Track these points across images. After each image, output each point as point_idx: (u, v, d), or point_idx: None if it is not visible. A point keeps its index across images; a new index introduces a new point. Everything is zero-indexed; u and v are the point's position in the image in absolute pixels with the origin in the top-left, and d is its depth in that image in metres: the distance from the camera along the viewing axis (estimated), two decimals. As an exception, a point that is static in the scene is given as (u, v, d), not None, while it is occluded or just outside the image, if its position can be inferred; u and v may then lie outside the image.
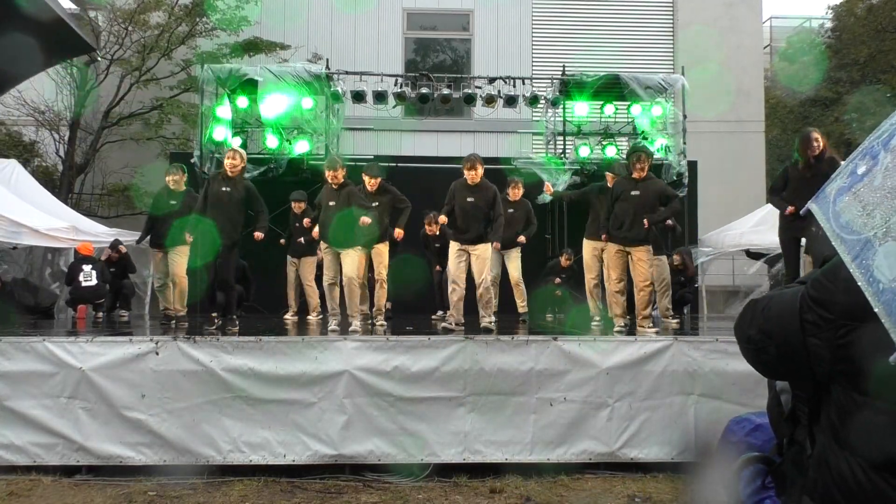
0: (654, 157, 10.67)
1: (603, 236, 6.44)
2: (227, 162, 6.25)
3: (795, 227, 5.74)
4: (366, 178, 6.69)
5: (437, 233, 8.08)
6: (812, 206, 1.25)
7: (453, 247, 6.28)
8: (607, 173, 7.16)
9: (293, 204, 8.09)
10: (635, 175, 6.20)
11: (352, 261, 6.09)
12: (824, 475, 1.13)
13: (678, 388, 5.14)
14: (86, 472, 4.98)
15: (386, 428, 5.01)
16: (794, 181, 5.77)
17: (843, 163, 1.23)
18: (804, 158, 5.65)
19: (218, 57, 12.34)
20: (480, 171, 6.15)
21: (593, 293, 7.11)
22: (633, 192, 6.18)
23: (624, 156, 10.49)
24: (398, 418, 5.02)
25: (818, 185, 1.26)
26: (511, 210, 7.38)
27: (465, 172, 6.16)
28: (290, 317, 8.11)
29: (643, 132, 10.78)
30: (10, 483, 4.68)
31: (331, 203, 6.12)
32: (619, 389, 5.12)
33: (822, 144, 5.62)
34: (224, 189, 6.17)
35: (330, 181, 6.14)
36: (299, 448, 4.97)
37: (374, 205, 6.53)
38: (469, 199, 6.16)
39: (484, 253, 6.21)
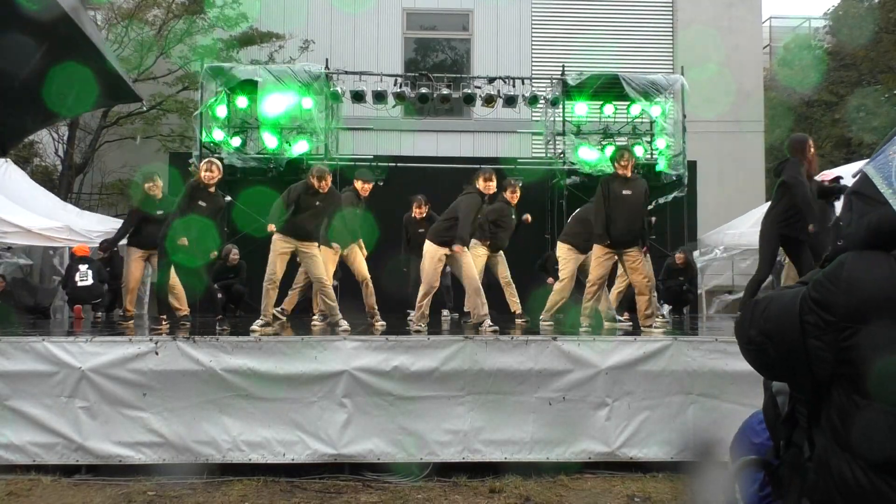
0: (650, 155, 10.75)
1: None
2: (204, 174, 6.02)
3: (791, 226, 5.54)
4: (358, 184, 6.71)
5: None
6: (868, 168, 1.15)
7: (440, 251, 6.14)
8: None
9: None
10: (623, 173, 6.18)
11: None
12: (825, 477, 1.13)
13: (677, 388, 5.14)
14: (85, 471, 4.98)
15: (385, 427, 5.01)
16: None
17: None
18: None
19: (215, 51, 12.31)
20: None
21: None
22: (624, 192, 6.15)
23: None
24: (398, 418, 5.02)
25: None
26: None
27: (483, 184, 6.05)
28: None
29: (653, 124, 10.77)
30: (9, 483, 4.68)
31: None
32: (618, 389, 5.12)
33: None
34: (201, 203, 6.03)
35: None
36: (299, 447, 4.98)
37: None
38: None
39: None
